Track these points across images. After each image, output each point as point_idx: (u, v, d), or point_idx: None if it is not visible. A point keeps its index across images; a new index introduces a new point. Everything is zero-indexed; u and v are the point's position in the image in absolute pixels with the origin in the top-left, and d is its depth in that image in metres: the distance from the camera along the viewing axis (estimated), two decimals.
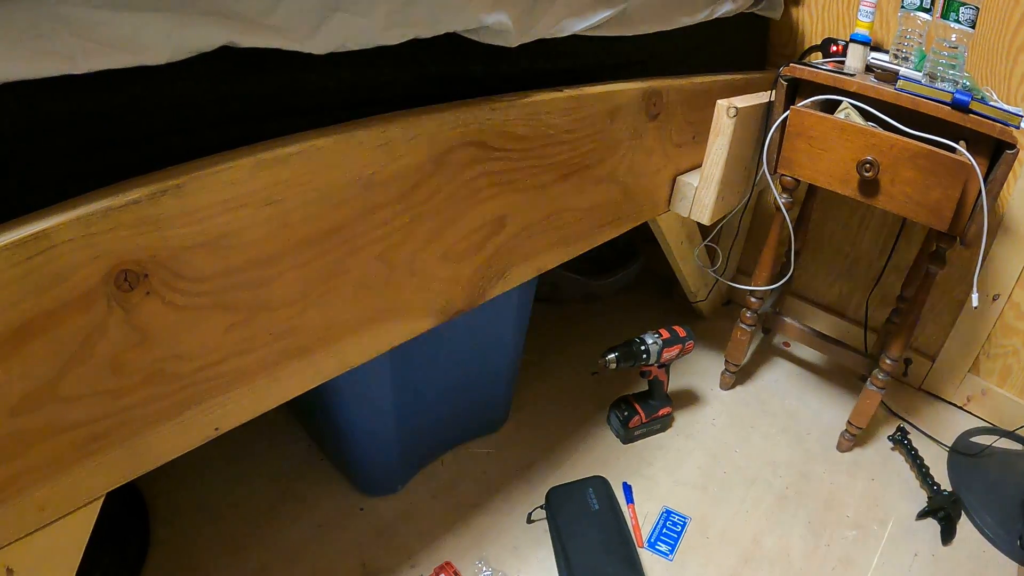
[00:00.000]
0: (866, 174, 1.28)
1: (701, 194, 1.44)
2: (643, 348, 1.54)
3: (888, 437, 1.72)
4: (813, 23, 1.86)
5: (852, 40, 1.44)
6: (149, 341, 0.65)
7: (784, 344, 2.14)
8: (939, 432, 1.79)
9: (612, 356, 1.51)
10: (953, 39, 1.23)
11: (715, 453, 1.63)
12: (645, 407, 1.64)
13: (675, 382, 1.88)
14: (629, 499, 1.50)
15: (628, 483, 1.53)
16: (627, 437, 1.63)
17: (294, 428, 1.58)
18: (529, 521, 1.40)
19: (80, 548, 0.69)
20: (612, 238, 1.35)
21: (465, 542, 1.34)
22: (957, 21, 1.22)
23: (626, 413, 1.63)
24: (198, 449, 0.75)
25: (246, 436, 1.51)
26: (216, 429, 0.76)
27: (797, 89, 1.46)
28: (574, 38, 1.07)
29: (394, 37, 0.80)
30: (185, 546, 1.28)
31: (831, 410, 1.84)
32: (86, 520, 0.69)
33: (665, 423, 1.68)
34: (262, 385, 0.79)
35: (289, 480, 1.45)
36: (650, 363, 1.57)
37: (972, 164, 1.19)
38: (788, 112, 1.39)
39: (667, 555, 1.35)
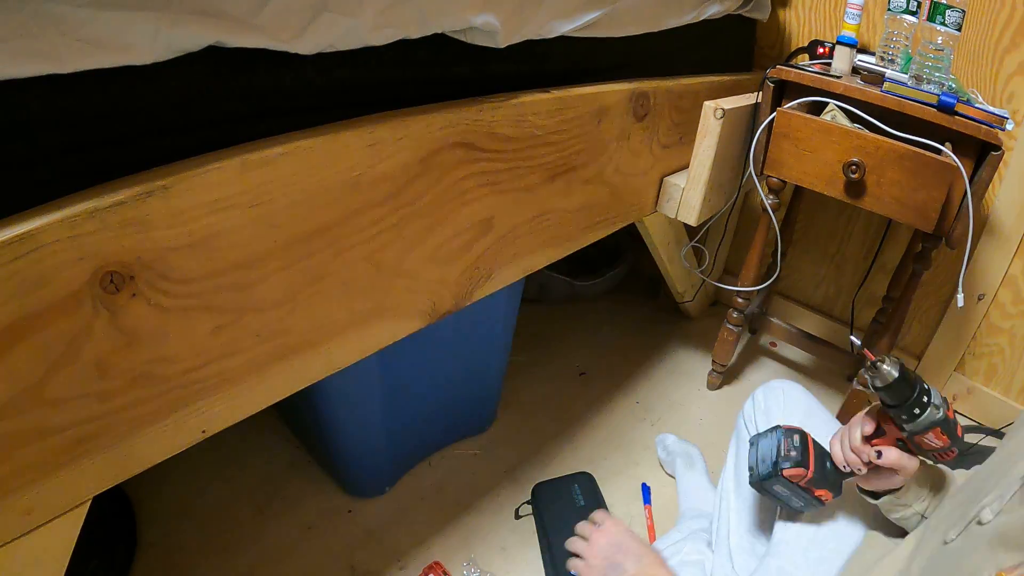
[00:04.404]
0: (852, 175, 1.29)
1: (688, 195, 1.44)
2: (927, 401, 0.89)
3: None
4: (800, 25, 1.87)
5: (839, 42, 1.45)
6: (135, 343, 0.65)
7: (771, 344, 2.15)
8: None
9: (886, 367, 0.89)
10: (939, 41, 1.24)
11: (702, 452, 1.63)
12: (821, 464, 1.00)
13: (660, 381, 1.88)
14: (647, 500, 1.50)
15: (647, 484, 1.54)
16: (763, 476, 1.00)
17: (281, 430, 1.58)
18: (516, 517, 1.41)
19: (67, 552, 0.69)
20: (599, 239, 1.35)
21: (453, 543, 1.34)
22: (943, 24, 1.22)
23: (791, 445, 1.02)
24: (185, 452, 0.75)
25: (233, 438, 1.50)
26: (203, 431, 0.76)
27: (784, 91, 1.46)
28: (562, 39, 1.07)
29: (382, 37, 0.79)
30: (173, 549, 1.28)
31: None
32: (73, 524, 0.68)
33: (808, 503, 1.00)
34: (249, 387, 0.79)
35: (277, 482, 1.44)
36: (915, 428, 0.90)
37: (957, 166, 1.20)
38: (775, 114, 1.39)
39: None
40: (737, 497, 1.17)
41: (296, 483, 1.45)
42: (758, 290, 1.72)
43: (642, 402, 1.80)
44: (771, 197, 1.52)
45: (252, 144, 0.70)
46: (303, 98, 0.77)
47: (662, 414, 1.76)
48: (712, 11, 1.45)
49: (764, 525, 1.12)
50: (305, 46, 0.72)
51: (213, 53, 0.65)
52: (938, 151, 1.24)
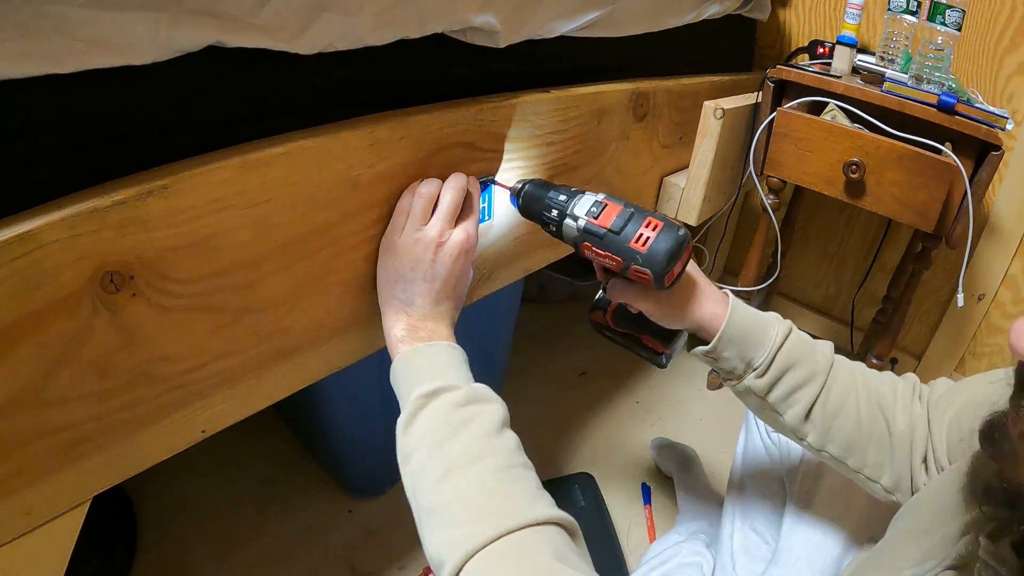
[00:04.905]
0: (852, 175, 1.29)
1: (688, 195, 1.44)
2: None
3: None
4: (800, 25, 1.87)
5: (839, 42, 1.45)
6: (135, 343, 0.65)
7: None
8: None
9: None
10: (939, 41, 1.24)
11: (702, 453, 1.63)
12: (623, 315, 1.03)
13: (660, 381, 1.88)
14: (647, 500, 1.50)
15: (647, 484, 1.54)
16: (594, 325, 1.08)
17: (281, 430, 1.57)
18: None
19: (67, 553, 0.68)
20: None
21: None
22: (943, 23, 1.22)
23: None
24: (185, 452, 0.74)
25: (233, 438, 1.50)
26: (203, 431, 0.76)
27: (784, 91, 1.46)
28: (562, 39, 1.07)
29: (382, 37, 0.79)
30: (173, 549, 1.28)
31: None
32: (73, 524, 0.68)
33: (651, 354, 1.08)
34: (249, 387, 0.79)
35: (277, 482, 1.44)
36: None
37: (958, 165, 1.20)
38: (775, 114, 1.39)
39: None
40: (743, 495, 1.17)
41: (296, 484, 1.45)
42: (758, 290, 1.72)
43: (642, 402, 1.80)
44: (771, 197, 1.52)
45: (252, 144, 0.70)
46: (303, 98, 0.77)
47: (662, 414, 1.76)
48: (712, 11, 1.45)
49: (769, 526, 1.11)
50: (305, 46, 0.72)
51: (213, 53, 0.65)
52: (938, 151, 1.24)
